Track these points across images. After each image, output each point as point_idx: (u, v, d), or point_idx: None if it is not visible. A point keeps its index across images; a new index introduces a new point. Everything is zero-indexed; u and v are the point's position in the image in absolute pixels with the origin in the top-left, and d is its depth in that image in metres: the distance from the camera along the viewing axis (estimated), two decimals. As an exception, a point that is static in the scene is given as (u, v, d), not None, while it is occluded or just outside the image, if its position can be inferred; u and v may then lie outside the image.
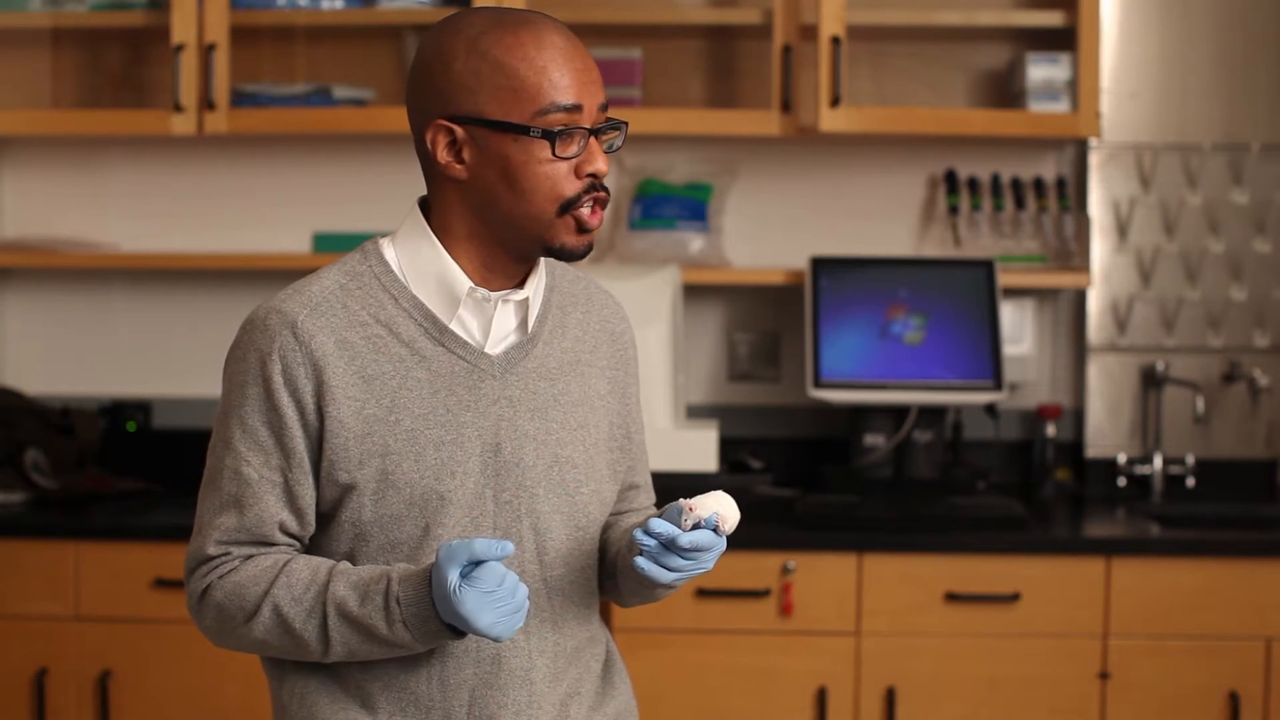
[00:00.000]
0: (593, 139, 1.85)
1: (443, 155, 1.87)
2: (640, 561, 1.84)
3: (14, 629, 3.38)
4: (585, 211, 1.86)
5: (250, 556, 1.88)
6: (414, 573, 1.82)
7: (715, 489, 1.90)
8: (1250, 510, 3.75)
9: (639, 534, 1.83)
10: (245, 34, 3.74)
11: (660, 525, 1.82)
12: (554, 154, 1.83)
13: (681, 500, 1.85)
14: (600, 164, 1.86)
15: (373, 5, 3.72)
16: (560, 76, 1.83)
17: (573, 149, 1.84)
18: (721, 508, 1.85)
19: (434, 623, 1.80)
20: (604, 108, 1.88)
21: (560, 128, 1.83)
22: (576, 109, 1.84)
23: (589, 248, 1.89)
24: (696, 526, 1.83)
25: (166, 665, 3.35)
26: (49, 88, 3.91)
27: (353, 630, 1.83)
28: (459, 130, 1.85)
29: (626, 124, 1.91)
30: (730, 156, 3.91)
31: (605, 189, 1.88)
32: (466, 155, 1.86)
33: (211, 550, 1.88)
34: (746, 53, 3.87)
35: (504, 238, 1.88)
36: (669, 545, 1.83)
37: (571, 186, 1.85)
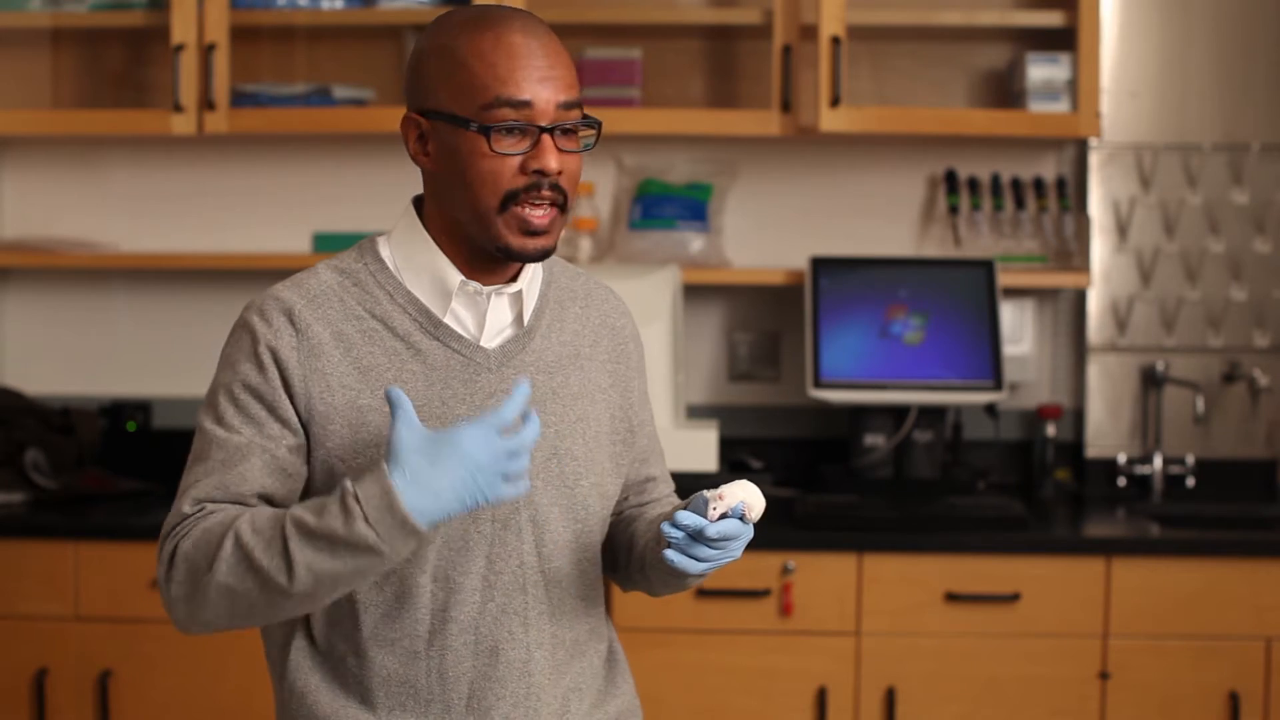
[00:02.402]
0: (545, 137, 1.83)
1: (412, 147, 1.90)
2: (670, 554, 1.85)
3: (14, 629, 3.38)
4: (527, 210, 1.84)
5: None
6: (369, 470, 1.76)
7: (723, 485, 1.90)
8: (1250, 510, 3.75)
9: (666, 527, 1.84)
10: (245, 34, 3.74)
11: (687, 517, 1.83)
12: (490, 149, 1.82)
13: (706, 491, 1.86)
14: (548, 161, 1.83)
15: (373, 5, 3.72)
16: (509, 72, 1.82)
17: (521, 146, 1.83)
18: (748, 496, 1.86)
19: (399, 512, 1.71)
20: (570, 106, 1.85)
21: (503, 123, 1.82)
22: (525, 105, 1.83)
23: (542, 252, 1.87)
24: (723, 516, 1.84)
25: (166, 665, 3.35)
26: (49, 88, 3.92)
27: (312, 545, 1.74)
28: (424, 123, 1.88)
29: (600, 122, 1.89)
30: (730, 156, 3.91)
31: (559, 189, 1.85)
32: (430, 148, 1.88)
33: (187, 508, 1.84)
34: (746, 53, 3.87)
35: (467, 232, 1.89)
36: (696, 536, 1.84)
37: (513, 181, 1.84)
